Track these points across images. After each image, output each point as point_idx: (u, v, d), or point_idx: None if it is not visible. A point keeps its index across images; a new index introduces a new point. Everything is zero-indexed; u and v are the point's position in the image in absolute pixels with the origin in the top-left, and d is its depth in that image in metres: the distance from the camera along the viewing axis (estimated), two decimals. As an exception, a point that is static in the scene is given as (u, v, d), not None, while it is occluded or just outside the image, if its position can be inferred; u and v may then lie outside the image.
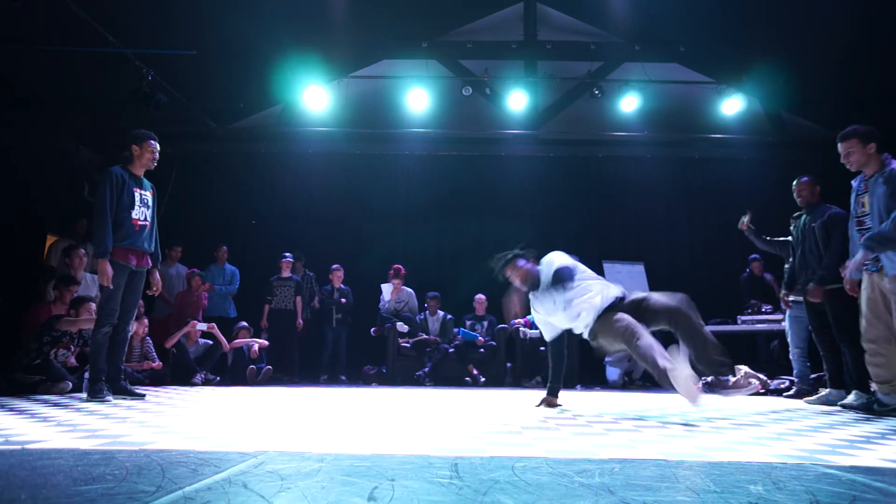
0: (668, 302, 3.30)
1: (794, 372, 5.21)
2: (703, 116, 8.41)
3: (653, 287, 7.89)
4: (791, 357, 5.22)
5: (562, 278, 3.45)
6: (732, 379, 5.86)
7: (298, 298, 7.19)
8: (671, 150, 8.66)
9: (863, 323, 3.52)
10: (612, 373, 6.85)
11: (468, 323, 7.28)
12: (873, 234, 3.33)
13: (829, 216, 4.25)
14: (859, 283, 3.57)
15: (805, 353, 5.14)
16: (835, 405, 4.11)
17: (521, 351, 6.97)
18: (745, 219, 5.25)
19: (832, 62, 6.93)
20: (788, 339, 5.27)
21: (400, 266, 7.42)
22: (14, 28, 5.42)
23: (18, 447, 1.80)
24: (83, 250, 4.78)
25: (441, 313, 7.38)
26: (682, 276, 8.20)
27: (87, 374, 4.56)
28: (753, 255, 6.70)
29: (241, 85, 7.87)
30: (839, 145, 3.59)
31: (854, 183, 3.68)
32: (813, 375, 5.15)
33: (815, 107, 8.16)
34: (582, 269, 3.61)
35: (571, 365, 6.95)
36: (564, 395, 4.20)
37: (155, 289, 4.25)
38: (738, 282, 7.25)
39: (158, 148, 4.15)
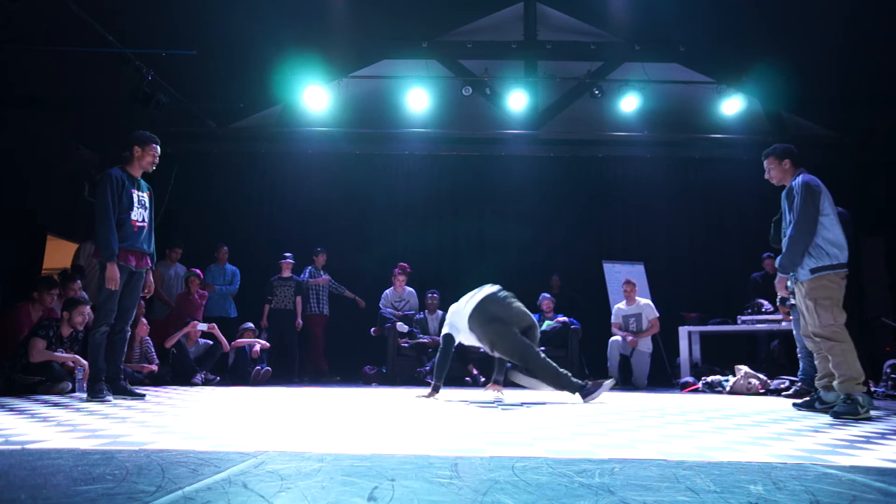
0: None
1: (800, 369, 5.21)
2: (702, 116, 8.40)
3: (652, 286, 7.89)
4: (798, 355, 5.23)
5: None
6: (732, 379, 5.84)
7: (298, 298, 7.18)
8: (671, 150, 8.66)
9: (801, 323, 3.66)
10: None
11: (468, 323, 7.26)
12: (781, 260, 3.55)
13: None
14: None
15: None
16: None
17: (521, 351, 6.95)
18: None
19: (832, 62, 6.94)
20: (796, 341, 5.28)
21: (406, 265, 7.41)
22: (14, 28, 5.42)
23: (18, 447, 1.80)
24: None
25: (440, 312, 7.37)
26: (682, 276, 8.21)
27: (78, 375, 4.57)
28: (767, 254, 6.44)
29: (241, 85, 7.87)
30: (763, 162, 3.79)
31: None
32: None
33: (815, 107, 8.16)
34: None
35: (572, 365, 6.98)
36: (564, 396, 4.20)
37: (146, 291, 4.24)
38: (737, 281, 7.21)
39: (160, 152, 4.16)
